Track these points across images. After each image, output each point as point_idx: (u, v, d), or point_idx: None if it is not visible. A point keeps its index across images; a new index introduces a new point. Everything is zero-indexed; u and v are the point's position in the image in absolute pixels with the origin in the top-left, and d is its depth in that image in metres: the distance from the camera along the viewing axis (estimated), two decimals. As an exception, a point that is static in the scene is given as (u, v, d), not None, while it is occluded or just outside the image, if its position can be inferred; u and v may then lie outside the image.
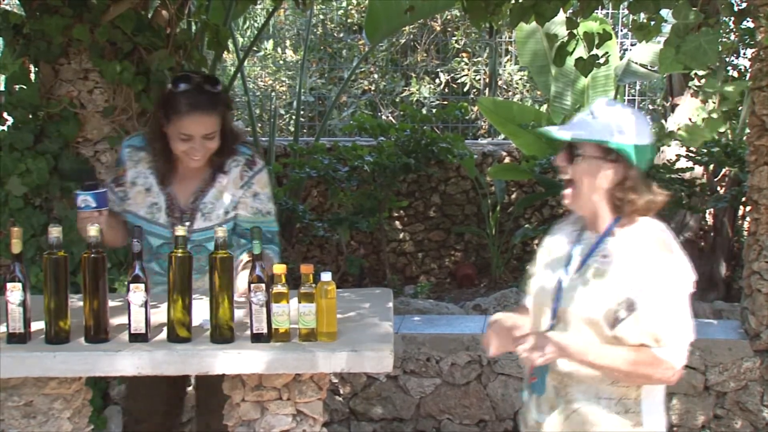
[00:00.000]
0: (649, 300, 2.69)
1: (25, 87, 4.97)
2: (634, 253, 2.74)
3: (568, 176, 2.84)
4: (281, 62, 11.74)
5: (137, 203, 3.70)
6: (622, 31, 10.56)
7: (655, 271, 2.70)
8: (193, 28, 5.74)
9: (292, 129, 9.29)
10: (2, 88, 5.12)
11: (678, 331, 2.72)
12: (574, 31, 5.03)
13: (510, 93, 11.24)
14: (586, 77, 6.65)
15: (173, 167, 3.70)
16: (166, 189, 3.69)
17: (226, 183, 3.74)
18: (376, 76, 11.61)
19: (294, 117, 9.56)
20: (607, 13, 10.10)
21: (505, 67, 11.23)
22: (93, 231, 3.13)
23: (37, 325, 3.16)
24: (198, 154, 3.62)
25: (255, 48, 10.88)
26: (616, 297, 2.74)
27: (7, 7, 5.32)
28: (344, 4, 11.68)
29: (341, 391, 5.32)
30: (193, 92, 3.60)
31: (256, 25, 11.90)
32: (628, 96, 10.47)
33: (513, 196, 8.33)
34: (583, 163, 2.79)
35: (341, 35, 11.88)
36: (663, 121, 8.50)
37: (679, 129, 7.58)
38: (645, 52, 8.21)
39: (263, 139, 8.78)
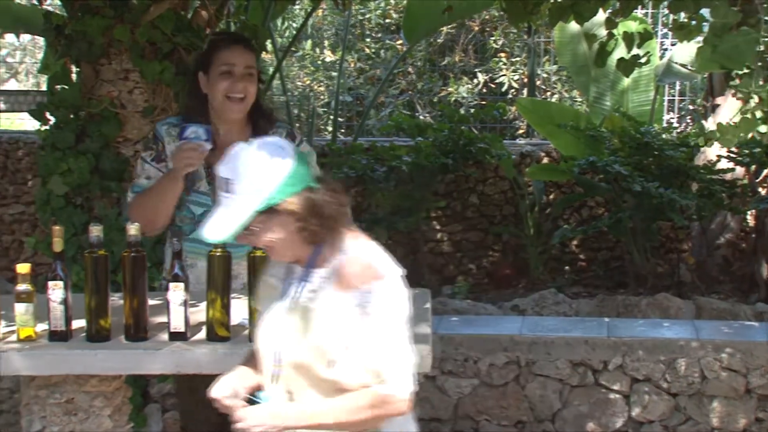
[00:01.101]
0: (361, 335, 2.47)
1: (66, 87, 5.01)
2: (340, 286, 2.52)
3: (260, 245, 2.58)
4: (319, 62, 11.75)
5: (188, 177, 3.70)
6: (662, 30, 10.49)
7: (363, 304, 2.48)
8: (232, 28, 5.77)
9: (330, 129, 9.30)
10: (45, 89, 5.16)
11: (397, 360, 2.51)
12: (614, 31, 5.00)
13: (548, 93, 11.18)
14: (627, 78, 6.62)
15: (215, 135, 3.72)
16: (205, 158, 3.71)
17: None
18: (414, 76, 11.59)
19: (332, 117, 9.57)
20: (647, 12, 10.03)
21: (543, 67, 11.18)
22: (133, 230, 3.15)
23: (79, 323, 3.19)
24: (240, 86, 3.65)
25: (293, 48, 10.89)
26: (325, 336, 2.51)
27: (50, 8, 5.35)
28: (382, 4, 11.67)
29: (379, 391, 5.32)
30: (231, 33, 3.92)
31: (294, 25, 11.91)
32: (669, 96, 10.40)
33: (551, 196, 8.28)
34: (257, 231, 2.52)
35: (379, 35, 11.86)
36: (703, 122, 8.43)
37: (717, 129, 7.53)
38: (686, 52, 8.13)
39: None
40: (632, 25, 6.80)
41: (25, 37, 12.23)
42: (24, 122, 11.88)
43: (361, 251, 2.58)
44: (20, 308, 3.12)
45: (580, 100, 10.62)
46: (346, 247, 2.57)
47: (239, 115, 3.71)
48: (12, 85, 13.99)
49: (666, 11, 9.24)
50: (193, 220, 3.70)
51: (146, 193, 3.68)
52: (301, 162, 2.51)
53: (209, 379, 3.48)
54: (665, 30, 10.30)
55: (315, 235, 2.54)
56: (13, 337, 3.16)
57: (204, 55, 3.77)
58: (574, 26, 7.92)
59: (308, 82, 11.62)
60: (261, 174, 2.45)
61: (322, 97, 11.66)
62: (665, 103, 9.80)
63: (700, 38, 5.45)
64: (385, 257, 2.60)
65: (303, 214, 2.49)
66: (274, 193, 2.45)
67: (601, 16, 5.08)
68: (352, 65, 11.66)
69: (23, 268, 3.14)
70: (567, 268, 8.17)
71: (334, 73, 10.85)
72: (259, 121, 3.78)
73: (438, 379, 5.27)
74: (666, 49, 10.13)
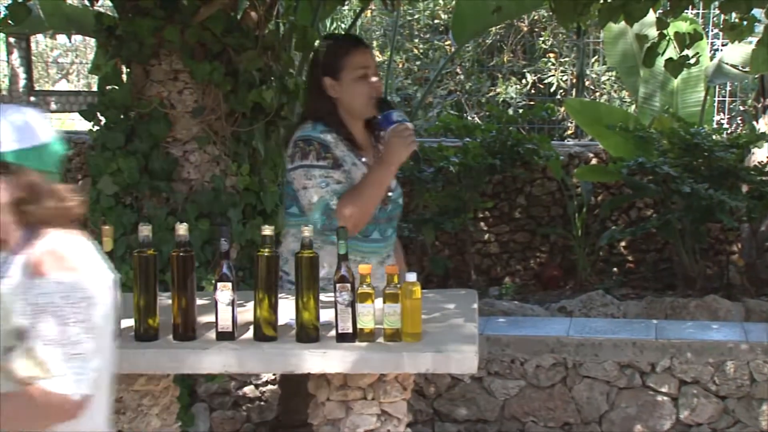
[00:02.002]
0: (39, 325, 2.27)
1: (117, 88, 5.06)
2: (29, 273, 2.32)
3: None
4: (368, 63, 11.77)
5: (355, 179, 3.75)
6: (712, 31, 10.39)
7: (45, 293, 2.29)
8: (281, 29, 5.79)
9: (378, 129, 9.31)
10: (95, 89, 5.21)
11: (72, 357, 2.29)
12: (665, 32, 4.97)
13: (597, 94, 11.13)
14: (676, 78, 6.57)
15: (353, 139, 3.80)
16: (362, 159, 3.79)
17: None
18: (462, 76, 11.59)
19: (380, 117, 9.57)
20: (698, 12, 9.95)
21: (592, 67, 11.13)
22: (181, 230, 3.17)
23: (127, 323, 3.21)
24: (380, 89, 3.80)
25: (342, 49, 10.92)
26: (6, 324, 2.32)
27: (101, 9, 5.41)
28: (431, 4, 11.67)
29: (425, 392, 5.32)
30: (350, 37, 4.10)
31: (343, 26, 11.94)
32: (719, 97, 10.30)
33: (599, 197, 8.24)
34: None
35: (428, 36, 11.87)
36: (754, 123, 8.35)
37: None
38: (737, 53, 8.06)
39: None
40: (683, 26, 6.75)
41: (77, 38, 12.35)
42: (75, 122, 12.01)
43: (60, 243, 2.37)
44: (70, 307, 3.15)
45: (629, 100, 10.56)
46: (49, 237, 2.38)
47: (374, 113, 3.80)
48: (63, 85, 14.16)
49: (717, 11, 9.16)
50: (374, 220, 3.81)
51: (360, 191, 3.67)
52: (55, 150, 2.41)
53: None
54: (716, 30, 10.21)
55: (29, 216, 2.37)
56: (64, 336, 3.19)
57: (330, 59, 3.79)
58: (623, 26, 7.88)
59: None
60: (5, 132, 2.33)
61: (370, 97, 11.67)
62: (715, 104, 9.71)
63: (751, 38, 5.42)
64: (91, 255, 2.42)
65: (26, 189, 2.35)
66: (7, 153, 2.32)
67: (651, 16, 5.05)
68: (401, 66, 11.67)
69: (73, 267, 3.17)
70: (615, 269, 8.12)
71: (383, 74, 10.85)
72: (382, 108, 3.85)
73: (485, 380, 5.27)
74: (717, 50, 10.04)
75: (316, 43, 5.39)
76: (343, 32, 10.03)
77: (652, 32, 5.21)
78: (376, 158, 3.78)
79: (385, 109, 3.73)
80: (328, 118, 3.78)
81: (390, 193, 3.81)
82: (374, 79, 3.78)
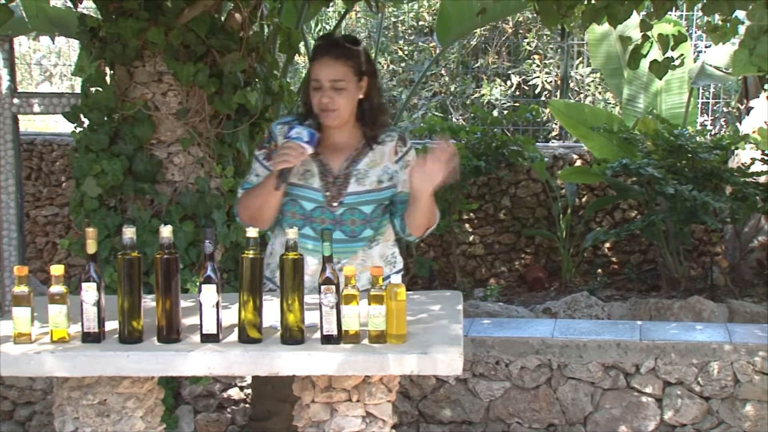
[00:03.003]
0: None
1: (100, 89, 5.04)
2: None
3: None
4: (352, 64, 11.76)
5: (296, 173, 3.73)
6: (696, 33, 10.43)
7: None
8: (266, 31, 5.78)
9: (363, 131, 9.31)
10: (79, 91, 5.19)
11: None
12: (648, 34, 4.98)
13: (582, 95, 11.15)
14: (660, 80, 6.59)
15: (323, 137, 3.76)
16: (317, 157, 3.75)
17: (380, 154, 3.83)
18: (447, 78, 11.60)
19: (364, 119, 9.56)
20: (681, 14, 9.98)
21: (576, 69, 11.15)
22: (166, 232, 3.17)
23: (111, 325, 3.21)
24: (324, 101, 3.69)
25: (326, 50, 10.91)
26: None
27: (85, 11, 5.39)
28: (416, 6, 11.68)
29: (410, 394, 5.32)
30: (327, 42, 3.81)
31: (328, 27, 11.94)
32: (702, 99, 10.34)
33: (584, 199, 8.26)
34: None
35: (412, 37, 11.88)
36: (738, 124, 8.38)
37: (753, 132, 7.49)
38: (720, 55, 8.09)
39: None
40: (666, 28, 6.76)
41: (60, 40, 12.32)
42: (58, 124, 11.98)
43: None
44: (54, 310, 3.14)
45: (613, 102, 10.58)
46: None
47: (333, 123, 3.74)
48: (46, 87, 14.11)
49: (700, 13, 9.20)
50: (304, 216, 3.75)
51: (252, 190, 3.76)
52: None
53: (286, 381, 3.49)
54: (699, 32, 10.24)
55: None
56: (47, 339, 3.18)
57: (310, 63, 3.83)
58: (607, 28, 7.90)
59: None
60: None
61: (354, 99, 11.66)
62: (699, 106, 9.74)
63: (734, 40, 5.44)
64: None
65: None
66: None
67: (635, 18, 5.06)
68: (385, 67, 11.67)
69: (57, 269, 3.16)
70: (599, 271, 8.14)
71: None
72: (371, 120, 3.82)
73: (469, 381, 5.27)
74: (700, 52, 10.07)
75: (301, 44, 5.38)
76: (326, 33, 10.04)
77: (636, 34, 5.21)
78: (350, 160, 3.79)
79: (367, 118, 3.74)
80: (305, 114, 3.81)
81: (344, 197, 3.77)
82: (320, 95, 3.70)
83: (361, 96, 3.78)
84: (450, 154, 3.59)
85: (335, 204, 3.75)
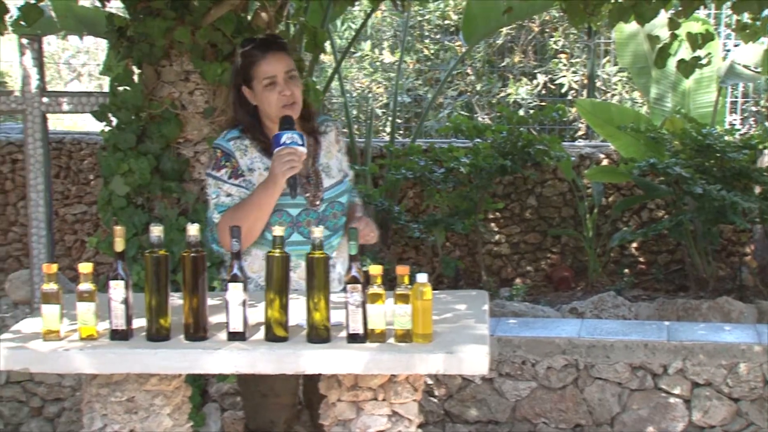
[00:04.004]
0: None
1: (128, 89, 5.07)
2: None
3: None
4: (378, 63, 11.77)
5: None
6: (724, 31, 10.36)
7: None
8: (292, 30, 5.79)
9: (389, 130, 9.32)
10: (107, 90, 5.22)
11: None
12: (676, 32, 4.96)
13: (608, 94, 11.10)
14: (688, 79, 6.55)
15: (268, 145, 3.75)
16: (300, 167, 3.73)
17: (328, 144, 3.87)
18: (473, 77, 11.57)
19: (390, 118, 9.57)
20: (710, 13, 9.92)
21: (603, 68, 11.10)
22: (193, 230, 3.18)
23: (139, 323, 3.22)
24: (287, 94, 3.70)
25: (352, 49, 10.92)
26: None
27: (113, 11, 5.42)
28: (442, 5, 11.66)
29: (436, 393, 5.32)
30: (260, 40, 3.83)
31: (353, 26, 11.94)
32: (731, 98, 10.27)
33: (611, 198, 8.23)
34: None
35: (438, 36, 11.85)
36: (767, 123, 8.33)
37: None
38: (749, 53, 8.04)
39: (360, 140, 8.81)
40: (694, 26, 6.73)
41: (88, 39, 12.38)
42: (86, 123, 12.04)
43: None
44: (82, 307, 3.16)
45: (640, 101, 10.53)
46: None
47: (297, 116, 3.74)
48: (75, 86, 14.19)
49: (729, 12, 9.14)
50: (292, 223, 3.74)
51: (239, 210, 3.68)
52: None
53: (283, 379, 3.51)
54: (728, 31, 10.18)
55: None
56: (75, 336, 3.20)
57: (242, 70, 3.76)
58: (634, 27, 7.86)
59: (367, 84, 11.64)
60: None
61: (380, 98, 11.67)
62: (727, 105, 9.67)
63: (763, 39, 5.40)
64: None
65: None
66: None
67: (663, 16, 5.04)
68: (411, 66, 11.66)
69: (85, 267, 3.18)
70: (626, 271, 8.10)
71: (393, 74, 10.86)
72: (309, 113, 3.85)
73: (495, 381, 5.26)
74: (729, 50, 10.00)
75: (326, 44, 5.38)
76: (353, 34, 10.04)
77: (664, 33, 5.19)
78: (310, 157, 3.79)
79: (284, 127, 3.65)
80: (248, 125, 3.78)
81: (322, 194, 3.78)
82: (281, 88, 3.70)
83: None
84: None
85: (317, 203, 3.76)
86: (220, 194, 3.75)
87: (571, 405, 5.22)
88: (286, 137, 3.59)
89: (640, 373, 5.14)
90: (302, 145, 3.60)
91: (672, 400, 5.13)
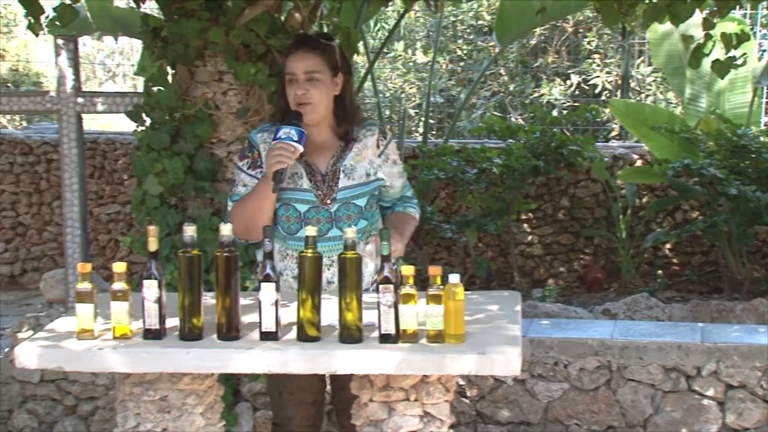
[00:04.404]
0: None
1: (162, 89, 5.09)
2: None
3: None
4: (411, 64, 11.77)
5: (286, 174, 3.74)
6: (760, 31, 10.29)
7: None
8: (325, 30, 5.80)
9: (421, 130, 9.32)
10: (141, 90, 5.25)
11: None
12: (711, 32, 4.93)
13: (642, 95, 11.05)
14: (722, 79, 6.51)
15: (306, 140, 3.76)
16: (302, 159, 3.75)
17: (362, 148, 3.84)
18: (506, 77, 11.55)
19: (423, 118, 9.57)
20: (745, 13, 9.85)
21: (637, 68, 11.05)
22: (226, 230, 3.19)
23: (172, 322, 3.24)
24: (301, 92, 3.71)
25: (385, 50, 10.93)
26: None
27: (147, 11, 5.45)
28: (475, 5, 11.64)
29: (468, 394, 5.32)
30: (301, 37, 3.93)
31: (387, 26, 11.95)
32: (767, 98, 10.19)
33: (644, 199, 8.19)
34: None
35: (471, 37, 11.85)
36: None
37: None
38: (784, 53, 7.98)
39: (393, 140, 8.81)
40: (729, 26, 6.68)
41: (123, 40, 12.46)
42: (121, 123, 12.11)
43: None
44: (116, 306, 3.18)
45: (675, 101, 10.48)
46: None
47: (309, 117, 3.74)
48: (110, 87, 14.28)
49: (765, 11, 9.08)
50: (299, 218, 3.75)
51: (245, 199, 3.75)
52: None
53: (300, 377, 3.53)
54: (764, 31, 10.11)
55: None
56: (109, 335, 3.22)
57: (284, 64, 3.82)
58: (669, 27, 7.82)
59: (400, 84, 11.65)
60: None
61: (413, 98, 11.68)
62: (763, 105, 9.60)
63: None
64: None
65: None
66: None
67: (697, 16, 5.00)
68: (444, 66, 11.66)
69: (119, 267, 3.20)
70: (660, 272, 8.06)
71: (426, 75, 10.85)
72: (347, 118, 3.84)
73: (528, 382, 5.25)
74: (765, 50, 9.94)
75: (359, 44, 5.39)
76: (386, 34, 10.05)
77: (699, 33, 5.16)
78: (335, 157, 3.81)
79: (291, 122, 3.67)
80: (282, 117, 3.79)
81: (336, 194, 3.78)
82: (296, 87, 3.72)
83: (336, 92, 3.80)
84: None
85: (329, 201, 3.75)
86: (239, 184, 3.83)
87: (604, 406, 5.20)
88: (283, 132, 3.62)
89: (674, 375, 5.12)
90: (298, 141, 3.61)
91: (705, 402, 5.10)
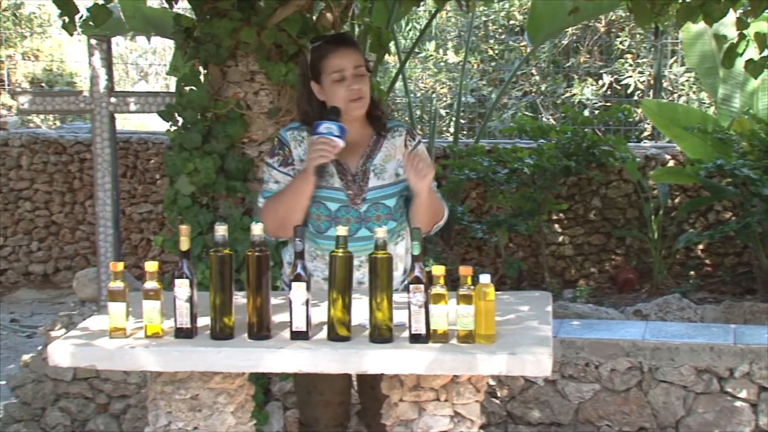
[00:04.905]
0: None
1: (194, 89, 5.11)
2: None
3: None
4: (442, 64, 11.77)
5: (326, 169, 3.75)
6: (794, 31, 10.21)
7: None
8: (357, 30, 5.81)
9: (452, 130, 9.32)
10: (173, 90, 5.28)
11: None
12: (744, 32, 4.90)
13: (675, 95, 11.00)
14: (756, 79, 6.47)
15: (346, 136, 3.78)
16: (332, 158, 3.76)
17: (392, 147, 3.85)
18: (537, 77, 11.53)
19: (454, 118, 9.57)
20: (779, 12, 9.78)
21: (670, 68, 11.00)
22: (257, 230, 3.20)
23: (203, 321, 3.25)
24: (356, 88, 3.73)
25: (417, 50, 10.93)
26: None
27: (180, 11, 5.48)
28: (506, 5, 11.63)
29: (498, 394, 5.31)
30: (333, 37, 3.94)
31: (418, 27, 11.95)
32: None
33: (677, 200, 8.15)
34: None
35: (503, 36, 11.83)
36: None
37: None
38: (819, 53, 7.91)
39: (423, 140, 8.81)
40: (763, 26, 6.64)
41: (156, 40, 12.53)
42: (153, 123, 12.18)
43: None
44: (148, 305, 3.20)
45: (708, 102, 10.42)
46: None
47: (361, 112, 3.78)
48: (142, 86, 14.37)
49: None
50: (329, 217, 3.76)
51: (279, 195, 3.75)
52: None
53: (328, 377, 3.53)
54: (798, 30, 10.01)
55: None
56: (141, 334, 3.23)
57: (312, 64, 3.80)
58: (701, 26, 7.78)
59: (431, 84, 11.65)
60: None
61: (444, 98, 11.67)
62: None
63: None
64: None
65: None
66: None
67: (731, 16, 4.98)
68: (475, 66, 11.65)
69: (151, 266, 3.22)
70: (692, 273, 8.02)
71: (457, 75, 10.85)
72: (376, 117, 3.86)
73: (558, 383, 5.23)
74: (798, 50, 9.85)
75: (391, 44, 5.39)
76: (417, 34, 10.04)
77: (732, 32, 5.13)
78: (365, 156, 3.81)
79: (329, 117, 3.68)
80: (313, 120, 3.78)
81: (365, 194, 3.77)
82: (350, 83, 3.73)
83: None
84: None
85: (359, 201, 3.76)
86: (270, 181, 3.82)
87: (635, 408, 5.18)
88: (324, 127, 3.63)
89: (706, 377, 5.09)
90: (339, 137, 3.62)
91: (738, 404, 5.06)
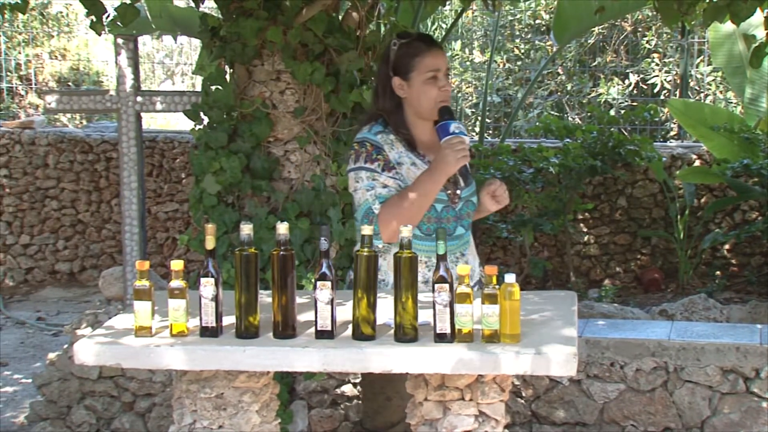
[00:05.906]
0: None
1: (220, 88, 5.13)
2: None
3: None
4: (468, 63, 11.76)
5: (412, 179, 3.75)
6: (822, 30, 10.14)
7: None
8: (382, 29, 5.81)
9: (478, 130, 9.30)
10: (199, 89, 5.30)
11: None
12: (771, 31, 4.87)
13: (702, 95, 10.95)
14: (783, 79, 6.44)
15: (415, 138, 3.81)
16: (425, 159, 3.78)
17: None
18: (563, 77, 11.50)
19: (480, 118, 9.56)
20: (807, 11, 9.72)
21: (697, 68, 10.95)
22: (282, 229, 3.21)
23: (228, 320, 3.26)
24: (448, 89, 3.80)
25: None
26: None
27: (206, 11, 5.50)
28: (533, 4, 11.61)
29: (523, 394, 5.30)
30: (420, 35, 3.94)
31: (444, 26, 11.94)
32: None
33: (703, 200, 8.12)
34: None
35: (529, 36, 11.81)
36: None
37: None
38: None
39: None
40: (791, 25, 6.60)
41: (182, 39, 12.58)
42: (179, 122, 12.22)
43: None
44: (173, 304, 3.21)
45: (735, 101, 10.36)
46: None
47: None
48: (168, 86, 14.41)
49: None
50: (436, 218, 3.79)
51: (402, 199, 3.68)
52: None
53: (400, 382, 3.50)
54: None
55: None
56: (166, 332, 3.25)
57: (400, 60, 3.78)
58: (729, 26, 7.74)
59: (457, 83, 11.63)
60: None
61: (470, 97, 11.66)
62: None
63: None
64: None
65: None
66: None
67: (758, 16, 4.95)
68: (501, 66, 11.63)
69: (177, 264, 3.23)
70: (718, 273, 7.98)
71: (483, 74, 10.83)
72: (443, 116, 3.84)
73: (584, 382, 5.22)
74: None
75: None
76: (443, 34, 10.04)
77: (760, 32, 5.11)
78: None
79: (445, 117, 3.69)
80: (391, 117, 3.79)
81: (459, 191, 3.79)
82: (443, 83, 3.76)
83: None
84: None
85: (456, 200, 3.77)
86: (376, 186, 3.73)
87: (661, 408, 5.16)
88: (455, 126, 3.64)
89: (732, 377, 5.06)
90: (466, 134, 3.67)
91: (764, 404, 5.04)
